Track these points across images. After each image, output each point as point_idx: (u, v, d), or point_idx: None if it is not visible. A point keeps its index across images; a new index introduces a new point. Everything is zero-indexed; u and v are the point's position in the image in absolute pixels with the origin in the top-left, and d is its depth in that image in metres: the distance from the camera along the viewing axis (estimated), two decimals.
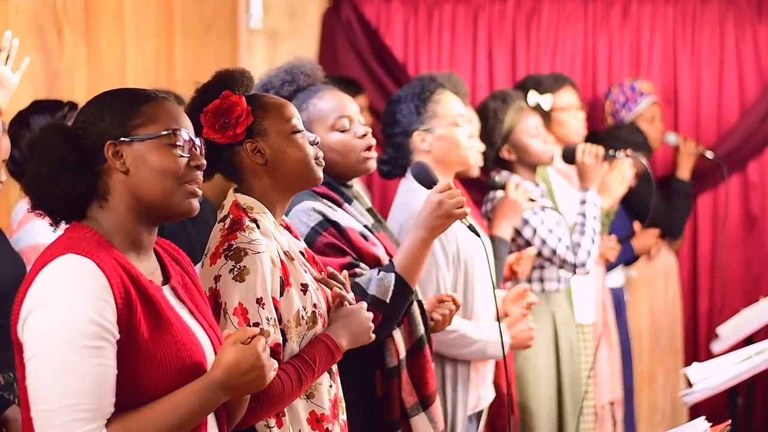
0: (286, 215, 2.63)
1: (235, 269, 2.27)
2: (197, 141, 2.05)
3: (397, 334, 2.76)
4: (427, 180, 2.85)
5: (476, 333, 3.22)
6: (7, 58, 2.75)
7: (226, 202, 2.44)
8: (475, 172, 3.65)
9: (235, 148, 2.41)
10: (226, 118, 2.38)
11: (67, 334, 1.85)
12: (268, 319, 2.27)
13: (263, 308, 2.27)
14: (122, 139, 1.97)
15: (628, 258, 4.95)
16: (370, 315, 2.45)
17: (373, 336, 2.46)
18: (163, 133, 1.99)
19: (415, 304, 2.81)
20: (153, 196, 1.99)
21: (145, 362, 1.91)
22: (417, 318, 2.80)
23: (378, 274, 2.70)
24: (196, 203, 2.04)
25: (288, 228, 2.55)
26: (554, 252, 3.89)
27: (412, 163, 3.36)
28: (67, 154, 1.96)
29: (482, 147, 3.80)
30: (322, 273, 2.52)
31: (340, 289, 2.46)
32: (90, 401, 1.85)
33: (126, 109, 1.99)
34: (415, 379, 2.77)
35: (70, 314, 1.85)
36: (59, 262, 1.89)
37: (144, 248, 2.04)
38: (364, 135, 2.89)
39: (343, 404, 2.49)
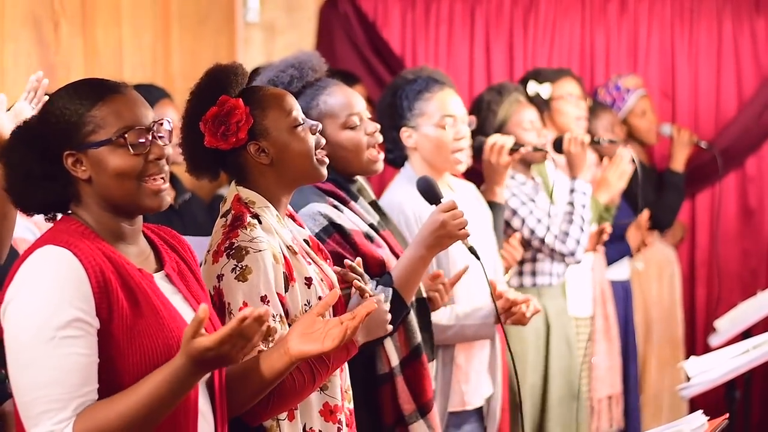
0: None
1: (237, 268, 2.27)
2: (160, 128, 2.03)
3: (388, 343, 2.77)
4: (431, 195, 2.82)
5: (448, 318, 3.18)
6: (33, 97, 2.77)
7: (228, 195, 2.44)
8: (460, 170, 3.57)
9: (239, 150, 2.41)
10: (226, 125, 2.37)
11: (38, 325, 1.86)
12: (273, 316, 2.27)
13: (268, 305, 2.26)
14: (77, 147, 1.98)
15: (625, 254, 4.93)
16: (386, 307, 2.47)
17: (390, 327, 2.50)
18: (112, 138, 1.98)
19: (413, 312, 2.81)
20: (116, 198, 2.01)
21: (129, 350, 1.92)
22: (413, 327, 2.81)
23: (376, 287, 2.71)
24: (163, 198, 2.04)
25: (292, 216, 2.55)
26: (542, 241, 3.89)
27: (408, 159, 3.37)
28: (33, 167, 1.98)
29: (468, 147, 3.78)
30: (328, 260, 2.53)
31: (359, 281, 2.46)
32: (60, 391, 1.85)
33: (77, 113, 1.98)
34: (413, 386, 2.78)
35: (42, 305, 1.87)
36: (38, 253, 1.93)
37: (130, 237, 2.05)
38: (374, 132, 2.89)
39: (350, 393, 2.49)
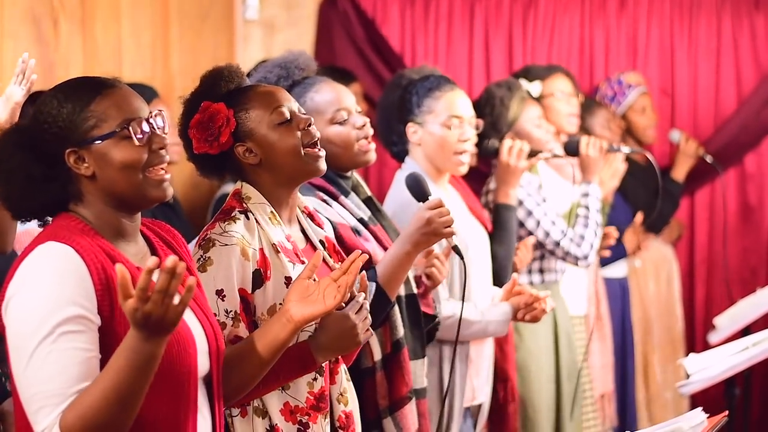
0: None
1: (202, 259, 2.30)
2: (158, 120, 2.03)
3: (373, 338, 2.78)
4: (419, 193, 2.81)
5: (474, 314, 3.22)
6: (23, 79, 2.76)
7: (233, 190, 2.46)
8: (461, 172, 3.53)
9: (230, 153, 2.41)
10: (210, 130, 2.37)
11: (39, 321, 1.86)
12: (227, 312, 2.28)
13: (223, 300, 2.27)
14: (79, 144, 1.97)
15: (620, 256, 4.92)
16: (359, 317, 2.31)
17: (361, 340, 2.33)
18: (116, 130, 1.98)
19: (397, 308, 2.81)
20: (123, 191, 2.00)
21: None
22: (397, 322, 2.81)
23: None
24: (166, 188, 2.04)
25: (311, 216, 2.55)
26: (557, 244, 3.89)
27: (409, 154, 3.38)
28: (32, 169, 1.96)
29: (474, 149, 3.77)
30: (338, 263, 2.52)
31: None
32: (60, 387, 1.85)
33: (75, 111, 1.97)
34: (390, 381, 2.79)
35: (44, 301, 1.86)
36: (39, 250, 1.92)
37: (129, 234, 2.05)
38: (363, 125, 2.89)
39: (348, 395, 2.47)
